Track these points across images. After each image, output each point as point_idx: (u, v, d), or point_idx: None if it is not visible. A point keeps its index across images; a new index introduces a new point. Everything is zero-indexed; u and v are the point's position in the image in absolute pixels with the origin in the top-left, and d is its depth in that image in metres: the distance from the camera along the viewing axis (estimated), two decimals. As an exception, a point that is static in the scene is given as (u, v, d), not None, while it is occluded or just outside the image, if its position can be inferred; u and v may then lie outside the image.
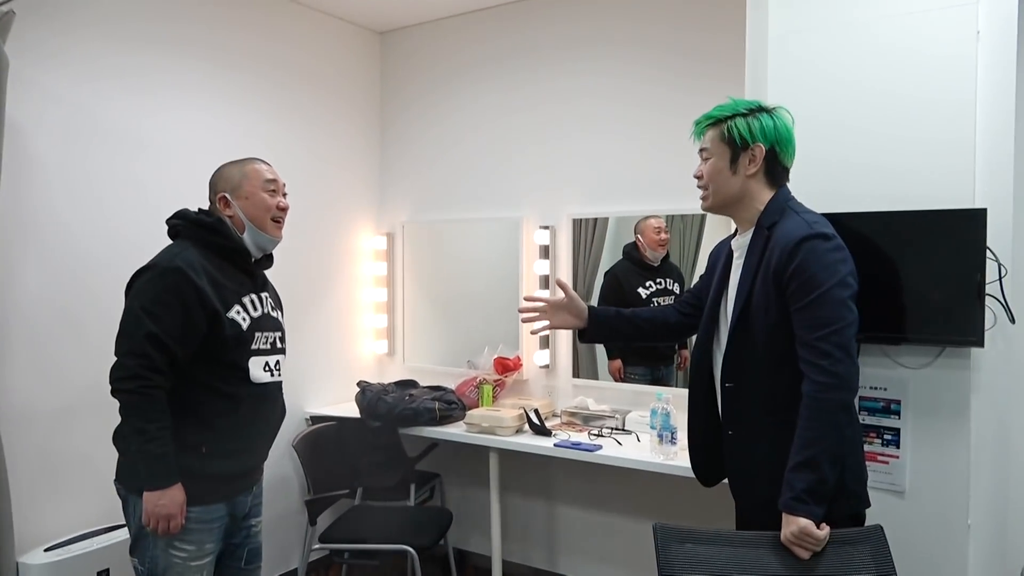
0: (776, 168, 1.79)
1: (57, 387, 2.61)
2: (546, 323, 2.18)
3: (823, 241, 1.65)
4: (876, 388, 2.06)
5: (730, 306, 1.81)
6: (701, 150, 1.84)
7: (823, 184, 2.05)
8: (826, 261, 1.64)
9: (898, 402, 2.02)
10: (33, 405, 2.54)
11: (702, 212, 2.92)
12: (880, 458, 2.04)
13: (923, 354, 1.98)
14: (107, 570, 2.51)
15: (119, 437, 1.95)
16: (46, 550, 2.44)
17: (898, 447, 2.02)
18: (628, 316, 2.16)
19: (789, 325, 1.67)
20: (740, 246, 1.84)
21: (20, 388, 2.51)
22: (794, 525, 1.57)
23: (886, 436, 2.04)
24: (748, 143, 1.76)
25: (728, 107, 1.80)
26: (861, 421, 2.05)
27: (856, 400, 1.86)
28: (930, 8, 1.97)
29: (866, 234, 1.97)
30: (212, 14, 3.13)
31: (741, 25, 2.25)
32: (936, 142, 1.97)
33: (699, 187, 1.86)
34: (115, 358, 1.87)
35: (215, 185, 2.08)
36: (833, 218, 1.80)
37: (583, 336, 2.18)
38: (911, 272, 1.95)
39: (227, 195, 2.04)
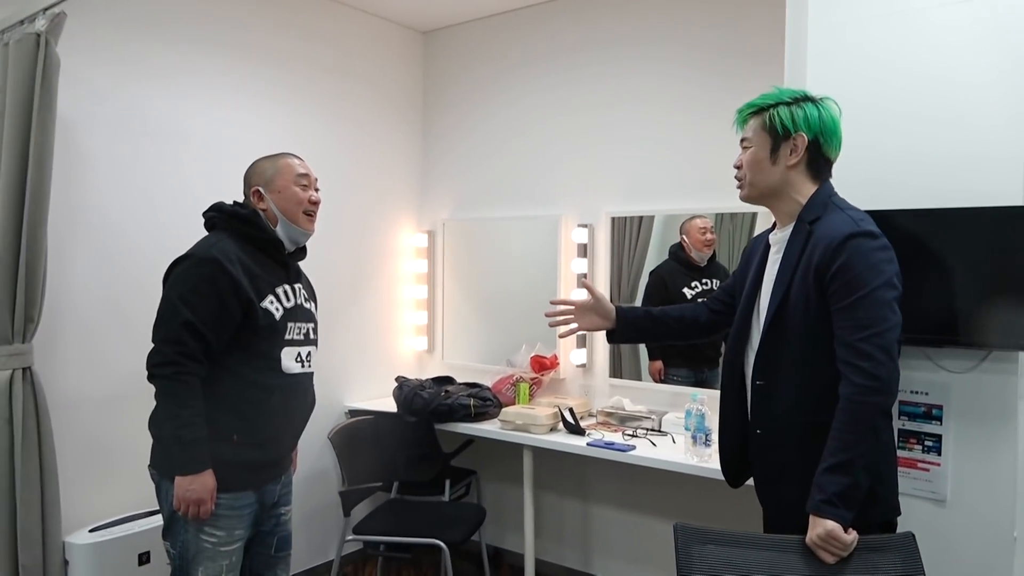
0: (819, 160, 1.72)
1: (104, 376, 2.70)
2: (574, 326, 2.14)
3: (869, 239, 1.60)
4: (917, 392, 1.98)
5: (764, 302, 1.76)
6: (742, 139, 1.79)
7: (870, 177, 1.99)
8: (872, 260, 1.58)
9: (940, 407, 1.94)
10: (81, 393, 2.64)
11: (751, 212, 2.93)
12: (920, 465, 1.96)
13: (967, 358, 1.90)
14: (148, 552, 2.59)
15: (154, 422, 2.02)
16: (91, 531, 2.54)
17: (939, 454, 1.94)
18: (657, 315, 2.11)
19: (827, 324, 1.61)
20: (778, 241, 1.78)
21: (69, 376, 2.61)
22: (821, 528, 1.51)
23: (927, 442, 1.96)
24: (790, 132, 1.69)
25: (772, 96, 1.75)
26: (901, 426, 1.98)
27: (896, 405, 1.81)
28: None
29: (912, 232, 1.89)
30: (256, 15, 3.20)
31: (781, 24, 2.20)
32: (989, 136, 1.88)
33: (737, 177, 1.81)
34: (152, 344, 1.92)
35: (249, 179, 2.13)
36: (880, 215, 1.75)
37: (611, 337, 2.14)
38: (957, 272, 1.87)
39: (260, 189, 2.09)
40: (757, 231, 2.94)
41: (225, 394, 1.96)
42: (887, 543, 1.53)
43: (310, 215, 2.14)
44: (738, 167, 1.80)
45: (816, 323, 1.63)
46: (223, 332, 1.94)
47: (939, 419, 1.94)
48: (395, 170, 3.88)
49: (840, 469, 1.53)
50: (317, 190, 2.17)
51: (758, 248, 1.89)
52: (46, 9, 2.18)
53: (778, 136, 1.71)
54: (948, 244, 1.88)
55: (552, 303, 2.21)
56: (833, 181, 1.79)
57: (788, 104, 1.71)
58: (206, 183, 2.96)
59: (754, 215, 2.95)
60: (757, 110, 1.75)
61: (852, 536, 1.52)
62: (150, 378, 1.91)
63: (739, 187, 1.81)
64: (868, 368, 1.53)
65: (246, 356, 1.99)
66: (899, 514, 1.70)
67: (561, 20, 3.50)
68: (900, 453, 1.96)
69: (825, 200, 1.71)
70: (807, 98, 1.73)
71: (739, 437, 1.86)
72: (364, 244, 3.72)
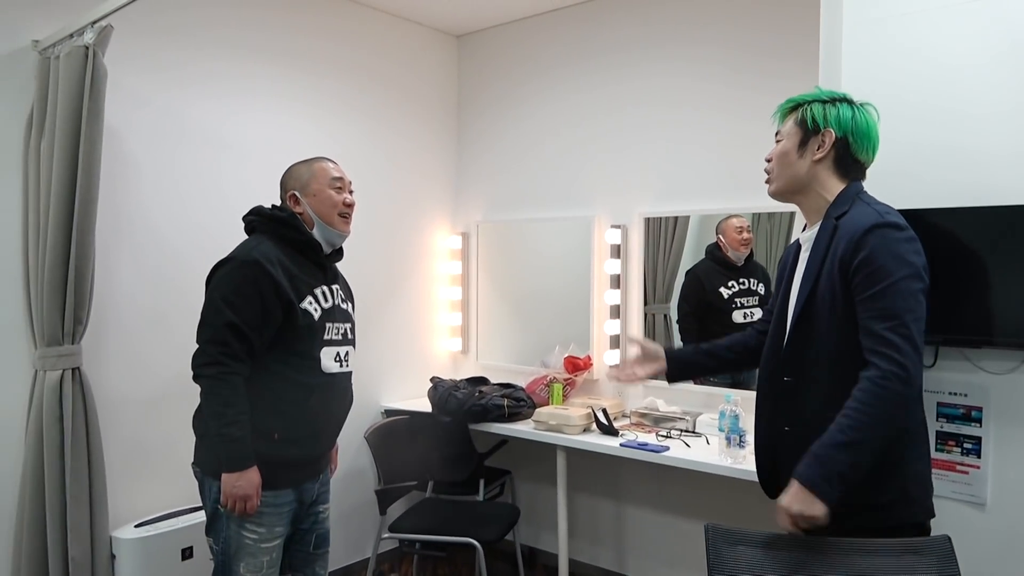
0: (847, 159, 1.72)
1: (145, 376, 2.79)
2: (640, 380, 2.16)
3: (894, 231, 1.59)
4: (956, 394, 1.95)
5: (792, 298, 1.75)
6: (776, 133, 1.81)
7: (907, 174, 1.97)
8: (897, 251, 1.57)
9: (979, 409, 1.91)
10: (124, 393, 2.73)
11: (789, 211, 2.90)
12: (959, 468, 1.93)
13: (1008, 359, 1.86)
14: (191, 547, 2.66)
15: (198, 420, 2.08)
16: (136, 526, 2.62)
17: (979, 456, 1.91)
18: (708, 350, 2.11)
19: (854, 318, 1.59)
20: (808, 239, 1.77)
21: (114, 378, 2.70)
22: (806, 504, 1.50)
23: (966, 445, 1.93)
24: (819, 127, 1.71)
25: (810, 94, 1.77)
26: (939, 428, 1.95)
27: (933, 405, 1.79)
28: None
29: (950, 230, 1.87)
30: (292, 21, 3.27)
31: (814, 24, 2.18)
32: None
33: (766, 171, 1.82)
34: (197, 345, 1.98)
35: (285, 184, 2.18)
36: (917, 213, 1.75)
37: (670, 378, 2.13)
38: (999, 271, 1.84)
39: (296, 193, 2.14)
40: (796, 232, 2.93)
41: (266, 393, 2.01)
42: (923, 546, 1.51)
43: (345, 217, 2.19)
44: (768, 160, 1.81)
45: (843, 317, 1.61)
46: (265, 332, 1.99)
47: (979, 421, 1.91)
48: (429, 172, 3.93)
49: (848, 448, 1.50)
50: (351, 192, 2.22)
51: (789, 255, 1.89)
52: (94, 23, 2.26)
53: (808, 130, 1.73)
54: (987, 243, 1.85)
55: (613, 377, 2.21)
56: (871, 177, 1.78)
57: (824, 102, 1.73)
58: (243, 188, 3.03)
59: (792, 214, 2.93)
60: (795, 106, 1.77)
61: (826, 517, 1.50)
62: (195, 378, 1.97)
63: (767, 181, 1.82)
64: (895, 356, 1.51)
65: (286, 356, 2.03)
66: (933, 516, 1.67)
67: (593, 22, 3.51)
68: (938, 455, 1.94)
69: (852, 196, 1.70)
70: (845, 99, 1.74)
71: (775, 438, 1.82)
72: (399, 246, 3.77)
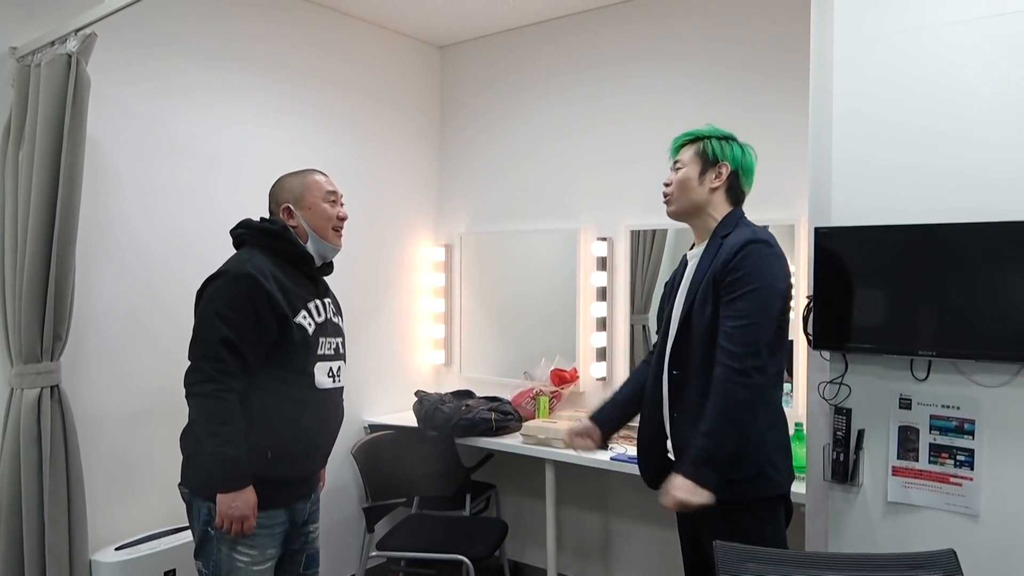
0: (736, 189, 2.02)
1: (127, 393, 2.71)
2: (595, 449, 2.31)
3: (764, 246, 1.86)
4: (948, 407, 1.97)
5: (678, 304, 2.00)
6: (675, 162, 2.06)
7: (900, 191, 2.01)
8: (762, 264, 1.84)
9: (972, 421, 1.94)
10: (105, 409, 2.65)
11: (763, 224, 2.94)
12: (952, 480, 1.96)
13: (1000, 372, 1.90)
14: (173, 570, 2.59)
15: (187, 439, 2.02)
16: (116, 549, 2.53)
17: (971, 468, 1.93)
18: (619, 400, 2.28)
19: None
20: (695, 255, 2.02)
21: (94, 393, 2.62)
22: (692, 491, 1.75)
23: (959, 457, 1.95)
24: (718, 160, 1.99)
25: (707, 130, 2.05)
26: (932, 440, 1.98)
27: (926, 418, 1.92)
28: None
29: (945, 245, 1.91)
30: (277, 32, 3.23)
31: (804, 41, 2.21)
32: (1016, 151, 1.88)
33: (665, 194, 2.06)
34: (189, 362, 1.93)
35: (277, 196, 2.14)
36: (912, 228, 1.91)
37: (606, 440, 2.31)
38: (992, 285, 1.87)
39: (290, 206, 2.10)
40: None
41: (259, 410, 1.96)
42: (928, 560, 1.53)
43: (338, 231, 2.16)
44: (667, 184, 2.06)
45: (713, 318, 1.87)
46: (260, 348, 1.94)
47: (971, 433, 1.94)
48: (412, 184, 3.90)
49: (707, 437, 1.79)
50: (343, 205, 2.19)
51: (679, 268, 2.13)
52: (78, 30, 2.20)
53: (708, 161, 2.01)
54: (980, 258, 1.88)
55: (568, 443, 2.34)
56: (870, 195, 1.99)
57: (719, 139, 2.02)
58: (227, 198, 2.98)
59: (764, 227, 2.96)
60: (694, 139, 2.05)
61: (710, 499, 1.76)
62: (189, 396, 1.92)
63: (666, 202, 2.06)
64: (736, 355, 1.79)
65: (280, 372, 1.99)
66: (785, 491, 1.93)
67: (578, 35, 3.52)
68: (931, 467, 1.98)
69: (736, 219, 1.99)
70: (734, 138, 2.05)
71: (657, 429, 2.04)
72: (381, 258, 3.73)
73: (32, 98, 2.28)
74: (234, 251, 2.12)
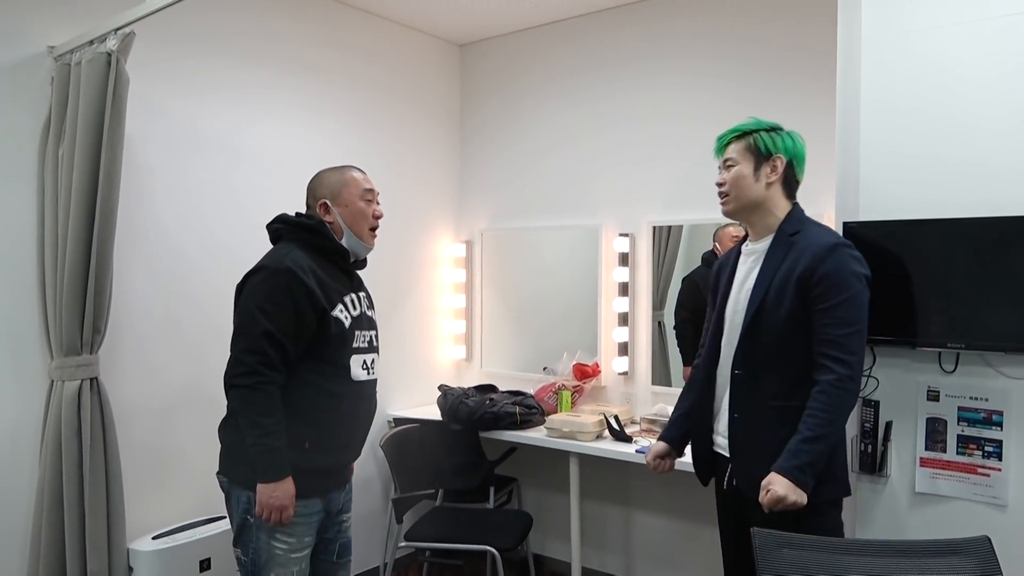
0: (791, 181, 1.98)
1: (159, 386, 2.76)
2: (671, 469, 2.27)
3: (849, 250, 1.86)
4: (976, 399, 2.00)
5: (742, 302, 1.96)
6: (725, 160, 2.01)
7: (926, 186, 2.05)
8: (853, 268, 1.83)
9: (1000, 413, 1.97)
10: (138, 403, 2.69)
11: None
12: (980, 470, 1.99)
13: (1028, 364, 1.93)
14: (208, 559, 2.63)
15: (226, 429, 2.06)
16: (154, 538, 2.58)
17: (1000, 459, 1.97)
18: (685, 412, 2.22)
19: (799, 323, 1.84)
20: (754, 251, 2.00)
21: (129, 387, 2.66)
22: (793, 491, 1.74)
23: (987, 448, 1.99)
24: (771, 153, 1.95)
25: (751, 124, 1.99)
26: (960, 432, 2.02)
27: (954, 409, 2.01)
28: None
29: (973, 239, 1.94)
30: (303, 31, 3.27)
31: (824, 39, 2.24)
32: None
33: (720, 193, 2.01)
34: (231, 355, 1.97)
35: (315, 191, 2.17)
36: (938, 224, 1.95)
37: (680, 453, 2.26)
38: (1020, 278, 1.90)
39: (327, 201, 2.13)
40: None
41: (297, 402, 2.00)
42: (964, 546, 1.56)
43: (374, 230, 2.20)
44: (721, 184, 2.01)
45: (788, 320, 1.86)
46: (300, 341, 1.98)
47: (999, 425, 1.97)
48: (433, 181, 3.94)
49: (816, 442, 1.77)
50: (379, 204, 2.22)
51: (728, 262, 2.11)
52: (117, 29, 2.24)
53: (760, 156, 1.96)
54: (1008, 251, 1.91)
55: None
56: (897, 189, 2.02)
57: (767, 131, 1.97)
58: (254, 195, 3.03)
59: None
60: (740, 135, 1.99)
61: (802, 500, 1.75)
62: (230, 388, 1.96)
63: (723, 202, 2.02)
64: (849, 361, 1.79)
65: (318, 364, 2.03)
66: (849, 494, 1.93)
67: (599, 33, 3.55)
68: (959, 458, 2.02)
69: (802, 217, 1.98)
70: (780, 128, 1.99)
71: (705, 426, 2.07)
72: (403, 254, 3.77)
73: (72, 96, 2.33)
74: (268, 246, 2.15)
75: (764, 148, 1.95)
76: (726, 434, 1.99)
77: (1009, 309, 1.91)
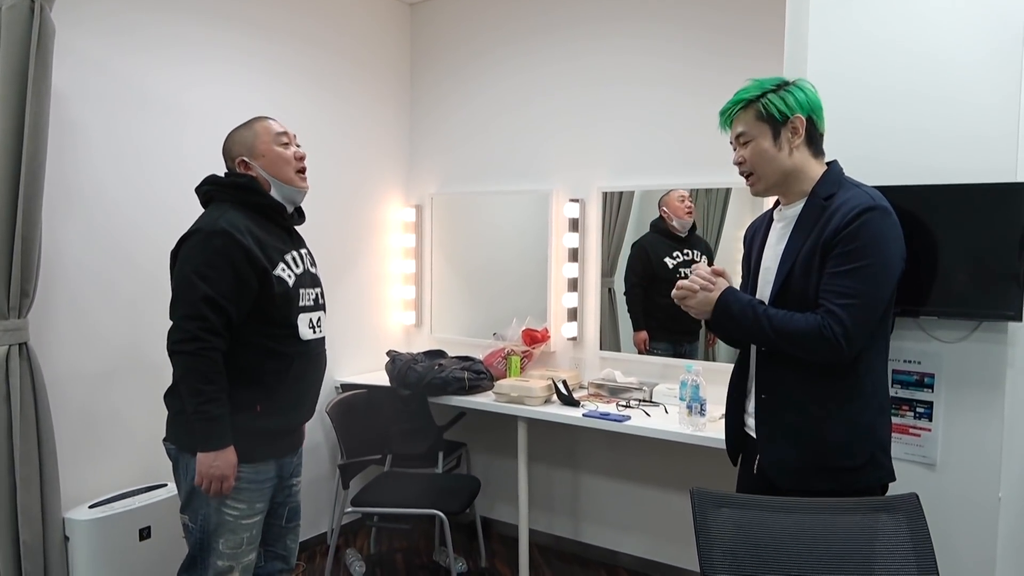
0: (815, 136, 1.76)
1: (96, 350, 2.67)
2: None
3: (882, 215, 1.64)
4: (910, 362, 2.06)
5: (772, 272, 1.79)
6: (737, 136, 1.78)
7: (868, 154, 2.05)
8: (879, 237, 1.63)
9: (932, 375, 2.03)
10: (75, 368, 2.60)
11: (725, 187, 3.02)
12: (912, 431, 2.06)
13: (959, 328, 1.99)
14: (148, 527, 2.58)
15: (172, 397, 2.00)
16: (91, 507, 2.51)
17: (930, 420, 2.03)
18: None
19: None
20: (786, 216, 1.80)
21: (64, 351, 2.57)
22: (704, 305, 1.76)
23: (919, 409, 2.05)
24: (788, 115, 1.71)
25: (754, 88, 1.75)
26: (894, 394, 2.07)
27: (889, 373, 1.89)
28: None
29: (906, 207, 1.96)
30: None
31: (777, 3, 2.23)
32: (980, 113, 1.95)
33: (742, 173, 1.80)
34: (171, 322, 1.91)
35: (230, 151, 2.09)
36: (884, 190, 1.79)
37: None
38: (950, 246, 1.95)
39: (245, 158, 2.06)
40: (732, 206, 3.09)
41: (245, 365, 1.96)
42: (892, 503, 1.61)
43: (302, 172, 2.12)
44: (740, 163, 1.79)
45: (817, 289, 1.67)
46: (242, 304, 1.93)
47: (931, 387, 2.03)
48: (382, 144, 3.86)
49: (756, 322, 1.70)
50: (299, 145, 2.15)
51: (760, 227, 1.93)
52: (41, -25, 2.12)
53: (776, 122, 1.72)
54: (941, 219, 1.95)
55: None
56: (839, 155, 1.84)
57: (774, 91, 1.73)
58: (199, 155, 2.91)
59: (728, 189, 3.05)
60: (745, 104, 1.75)
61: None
62: (172, 354, 1.90)
63: (750, 184, 1.80)
64: (841, 330, 1.61)
65: (264, 326, 1.98)
66: (894, 479, 1.78)
67: (551, -6, 3.50)
68: (893, 420, 2.05)
69: (838, 178, 1.75)
70: (786, 83, 1.75)
71: (743, 406, 1.92)
72: (351, 219, 3.70)
73: (-7, 46, 2.20)
74: (201, 208, 2.08)
75: (778, 112, 1.71)
76: (754, 415, 1.84)
77: (943, 274, 1.96)
